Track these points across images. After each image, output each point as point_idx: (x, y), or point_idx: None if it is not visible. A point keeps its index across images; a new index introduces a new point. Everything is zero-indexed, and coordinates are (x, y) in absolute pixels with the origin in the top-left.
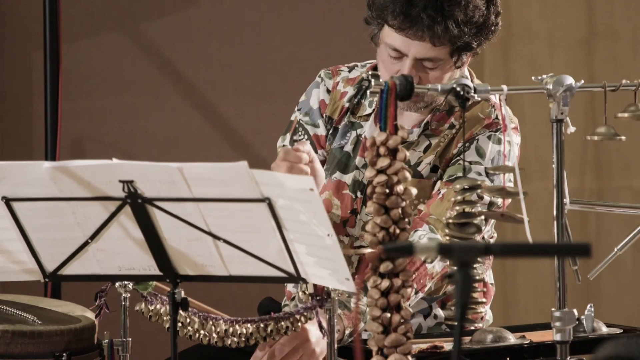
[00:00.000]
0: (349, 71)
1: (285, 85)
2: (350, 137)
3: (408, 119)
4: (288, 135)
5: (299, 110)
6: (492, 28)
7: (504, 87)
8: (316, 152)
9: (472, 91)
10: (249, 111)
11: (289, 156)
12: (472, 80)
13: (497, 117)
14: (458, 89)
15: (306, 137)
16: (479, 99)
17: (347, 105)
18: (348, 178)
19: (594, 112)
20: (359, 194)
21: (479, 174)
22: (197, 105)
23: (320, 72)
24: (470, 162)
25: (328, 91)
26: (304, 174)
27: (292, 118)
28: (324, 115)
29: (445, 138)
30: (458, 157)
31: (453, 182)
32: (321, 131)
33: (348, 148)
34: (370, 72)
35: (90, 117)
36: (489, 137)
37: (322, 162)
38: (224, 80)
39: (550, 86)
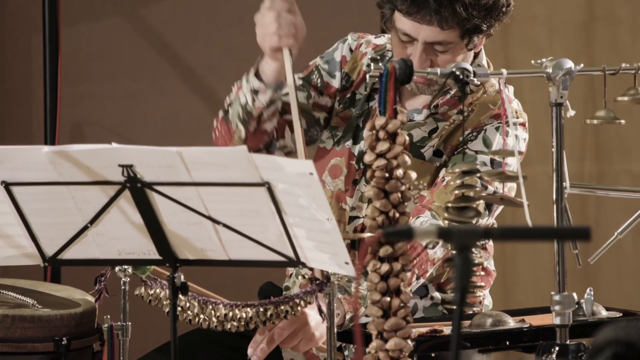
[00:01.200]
0: (375, 37)
1: None
2: (364, 109)
3: (419, 100)
4: (302, 74)
5: (321, 57)
6: (503, 9)
7: (504, 71)
8: (321, 96)
9: (472, 75)
10: None
11: (277, 3)
12: (488, 66)
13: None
14: (457, 72)
15: (320, 81)
16: (478, 83)
17: (365, 69)
18: (356, 148)
19: (593, 95)
20: (361, 164)
21: (484, 164)
22: (197, 90)
23: (349, 34)
24: (476, 152)
25: (351, 50)
26: (291, 22)
27: (311, 62)
28: (343, 70)
29: (452, 123)
30: (464, 146)
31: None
32: (335, 83)
33: (361, 120)
34: (370, 57)
35: (90, 101)
36: (497, 129)
37: (327, 108)
38: (224, 64)
39: (549, 70)
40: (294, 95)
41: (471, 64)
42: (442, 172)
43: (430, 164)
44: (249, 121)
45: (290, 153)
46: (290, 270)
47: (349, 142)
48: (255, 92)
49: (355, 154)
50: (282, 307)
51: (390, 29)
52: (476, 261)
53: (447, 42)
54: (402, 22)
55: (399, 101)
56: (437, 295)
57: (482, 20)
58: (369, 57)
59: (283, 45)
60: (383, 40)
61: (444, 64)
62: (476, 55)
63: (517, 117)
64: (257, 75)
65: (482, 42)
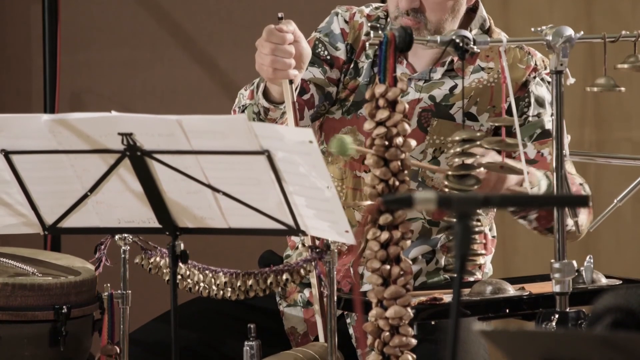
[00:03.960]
0: (366, 7)
1: None
2: (371, 75)
3: (424, 57)
4: None
5: (318, 32)
6: None
7: (504, 38)
8: (332, 68)
9: (472, 43)
10: (248, 64)
11: (273, 37)
12: (489, 26)
13: (536, 64)
14: (457, 40)
15: (326, 52)
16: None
17: (364, 38)
18: None
19: (593, 63)
20: None
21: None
22: (196, 58)
23: (335, 8)
24: (537, 116)
25: (346, 22)
26: (287, 56)
27: (309, 39)
28: (347, 42)
29: (478, 84)
30: (525, 118)
31: (545, 139)
32: (340, 54)
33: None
34: (370, 24)
35: (89, 70)
36: (540, 83)
37: (333, 81)
38: (223, 32)
39: (549, 37)
40: (292, 120)
41: (469, 19)
42: (531, 147)
43: (467, 127)
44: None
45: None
46: (297, 242)
47: (362, 110)
48: (265, 110)
49: None
50: (282, 276)
51: None
52: (476, 229)
53: None
54: None
55: (405, 61)
56: (442, 260)
57: None
58: (368, 25)
59: (278, 78)
60: (369, 9)
61: (435, 6)
62: (474, 9)
63: (545, 67)
64: (265, 94)
65: None
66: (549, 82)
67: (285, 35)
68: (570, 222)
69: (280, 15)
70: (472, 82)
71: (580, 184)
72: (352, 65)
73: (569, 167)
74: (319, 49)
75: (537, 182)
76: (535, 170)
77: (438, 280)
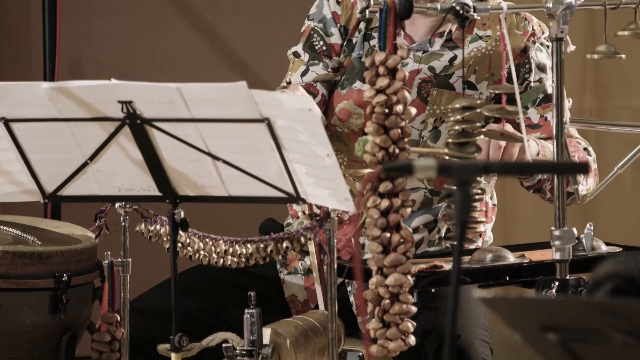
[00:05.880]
0: None
1: (284, 5)
2: (365, 49)
3: (422, 26)
4: (300, 43)
5: (311, 19)
6: None
7: (504, 5)
8: (331, 59)
9: (472, 10)
10: (247, 32)
11: None
12: None
13: (534, 29)
14: (457, 7)
15: (322, 43)
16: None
17: (359, 16)
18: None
19: (594, 30)
20: None
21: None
22: (196, 26)
23: None
24: (539, 81)
25: (338, 2)
26: None
27: (303, 29)
28: (339, 24)
29: (477, 52)
30: (527, 84)
31: (548, 103)
32: (335, 39)
33: (365, 59)
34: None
35: (89, 38)
36: (540, 48)
37: (336, 69)
38: (222, 0)
39: (550, 4)
40: None
41: None
42: (534, 111)
43: (468, 95)
44: None
45: None
46: (298, 211)
47: (357, 84)
48: None
49: None
50: (282, 244)
51: None
52: (477, 197)
53: None
54: None
55: (402, 31)
56: (444, 229)
57: None
58: (362, 1)
59: None
60: None
61: None
62: None
63: (543, 32)
64: None
65: None
66: (547, 47)
67: None
68: (582, 182)
69: None
70: (471, 51)
71: (585, 149)
72: (346, 43)
73: (573, 131)
74: (315, 40)
75: (551, 155)
76: (545, 143)
77: (440, 249)
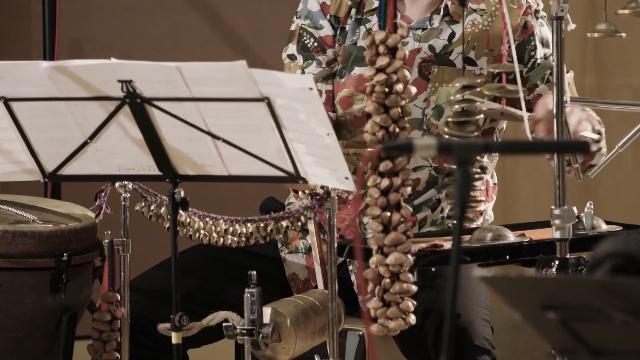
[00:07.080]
0: None
1: None
2: (360, 32)
3: (421, 4)
4: (292, 45)
5: (298, 17)
6: None
7: None
8: (325, 53)
9: None
10: (248, 11)
11: None
12: None
13: (528, 2)
14: None
15: (312, 40)
16: None
17: (350, 3)
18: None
19: (594, 9)
20: None
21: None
22: (196, 5)
23: None
24: (545, 57)
25: None
26: None
27: (293, 27)
28: (329, 15)
29: (473, 27)
30: (534, 61)
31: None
32: (326, 31)
33: (362, 43)
34: None
35: (89, 16)
36: (542, 23)
37: (332, 61)
38: None
39: None
40: None
41: None
42: (543, 88)
43: (469, 71)
44: None
45: None
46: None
47: (356, 70)
48: None
49: None
50: (283, 223)
51: None
52: (478, 176)
53: None
54: None
55: (399, 13)
56: (447, 208)
57: None
58: None
59: None
60: None
61: None
62: None
63: (538, 4)
64: None
65: None
66: (544, 17)
67: None
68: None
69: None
70: (467, 24)
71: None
72: (339, 31)
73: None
74: (306, 39)
75: (597, 122)
76: (592, 112)
77: (441, 229)
